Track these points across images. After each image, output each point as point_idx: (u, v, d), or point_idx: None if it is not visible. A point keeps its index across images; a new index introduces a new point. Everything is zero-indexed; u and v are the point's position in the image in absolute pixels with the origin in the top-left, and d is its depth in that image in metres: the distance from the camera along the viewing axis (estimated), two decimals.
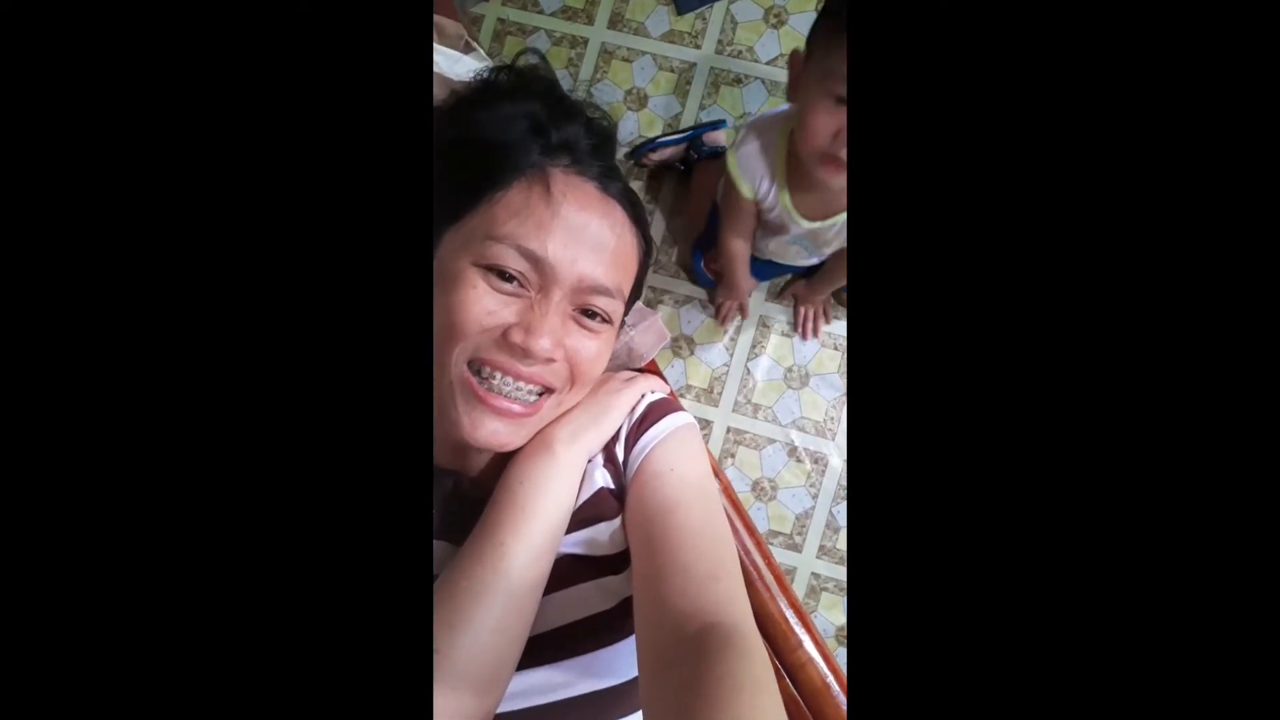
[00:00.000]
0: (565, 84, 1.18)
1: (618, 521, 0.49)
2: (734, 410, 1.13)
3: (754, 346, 1.13)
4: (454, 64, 0.65)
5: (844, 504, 1.12)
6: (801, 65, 0.70)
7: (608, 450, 0.51)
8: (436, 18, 0.68)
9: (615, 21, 1.16)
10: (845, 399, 1.12)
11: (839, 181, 0.71)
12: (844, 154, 0.66)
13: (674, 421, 0.51)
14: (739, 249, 0.94)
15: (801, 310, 1.11)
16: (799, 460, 1.12)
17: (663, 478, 0.48)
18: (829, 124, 0.66)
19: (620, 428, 0.51)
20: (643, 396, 0.53)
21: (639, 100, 1.15)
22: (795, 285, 1.10)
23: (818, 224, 0.84)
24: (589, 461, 0.50)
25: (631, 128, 1.15)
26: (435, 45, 0.67)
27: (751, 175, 0.81)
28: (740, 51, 1.14)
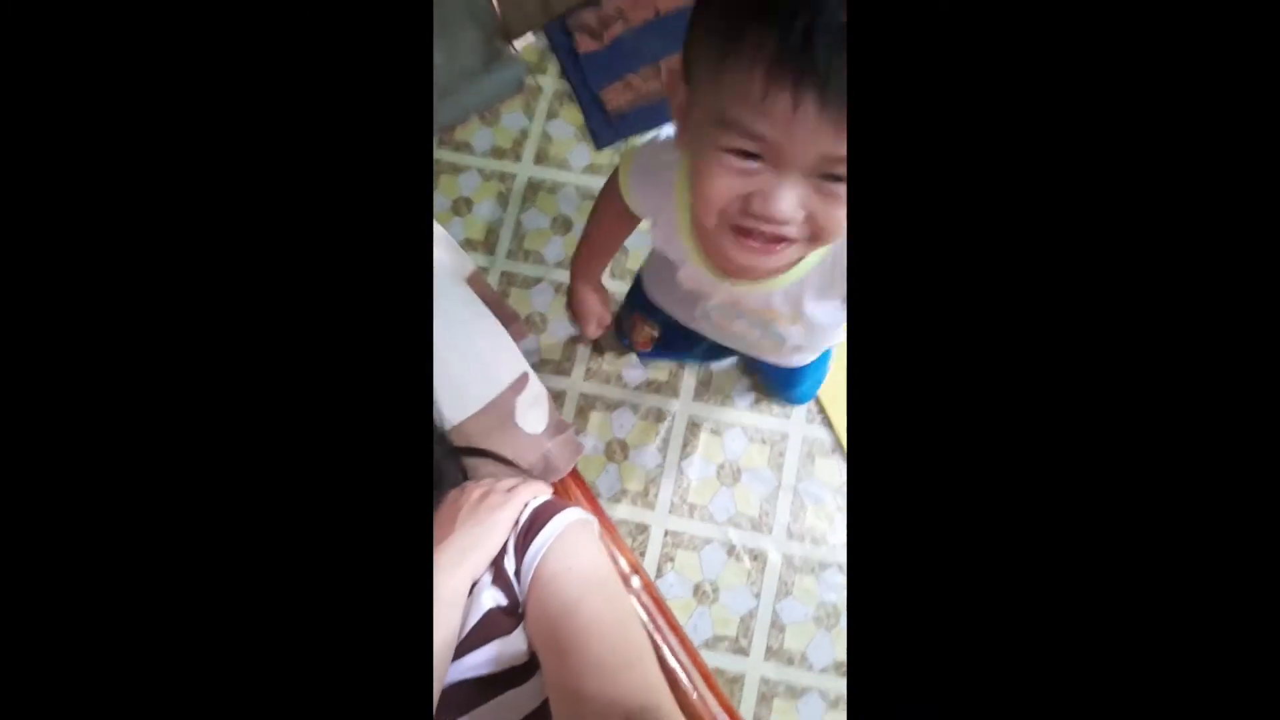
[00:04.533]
0: (494, 214, 1.27)
1: (512, 636, 0.49)
2: (670, 511, 1.14)
3: (685, 445, 1.17)
4: None
5: (787, 600, 1.11)
6: (685, 97, 0.45)
7: (495, 566, 0.51)
8: None
9: (540, 158, 1.28)
10: (779, 492, 1.14)
11: (763, 260, 0.48)
12: (761, 224, 0.43)
13: (563, 520, 0.52)
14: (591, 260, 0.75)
15: None
16: (738, 559, 1.12)
17: (561, 578, 0.49)
18: (729, 186, 0.42)
19: (506, 541, 0.52)
20: (525, 505, 0.54)
21: (563, 225, 1.25)
22: None
23: (746, 286, 0.57)
24: (476, 583, 0.50)
25: (558, 249, 1.24)
26: None
27: (651, 209, 0.60)
28: None
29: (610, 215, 0.67)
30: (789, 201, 0.41)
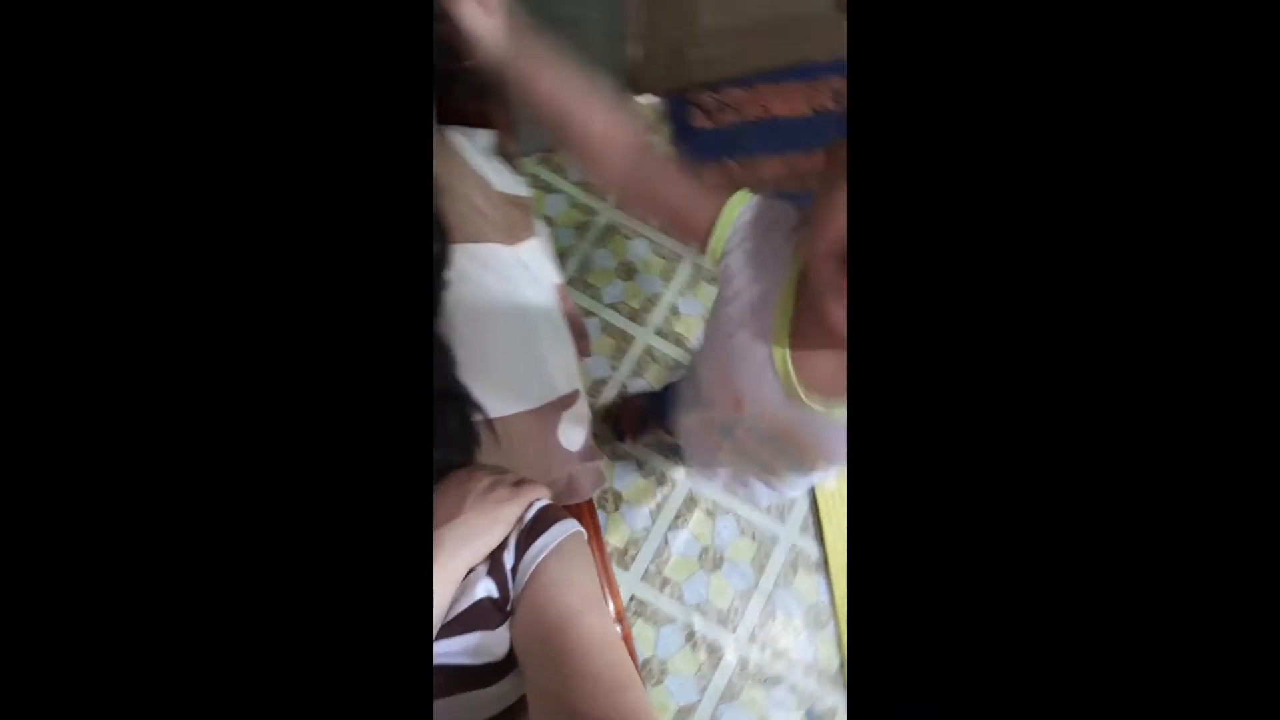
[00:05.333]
0: (569, 241, 1.30)
1: (496, 631, 0.48)
2: (643, 578, 1.12)
3: (677, 517, 1.16)
4: (499, 176, 0.75)
5: (732, 705, 1.07)
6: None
7: (493, 558, 0.50)
8: (499, 134, 0.78)
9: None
10: (753, 593, 1.12)
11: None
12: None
13: (564, 529, 0.52)
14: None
15: None
16: (694, 647, 1.09)
17: (560, 586, 0.48)
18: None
19: (510, 534, 0.52)
20: (530, 505, 0.54)
21: (627, 272, 1.29)
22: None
23: (814, 407, 0.49)
24: (472, 571, 0.49)
25: (618, 292, 1.27)
26: (489, 156, 0.76)
27: (741, 266, 0.49)
28: None
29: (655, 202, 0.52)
30: None
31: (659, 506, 1.16)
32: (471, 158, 0.74)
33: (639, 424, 1.12)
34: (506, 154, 0.79)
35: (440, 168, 0.72)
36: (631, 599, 1.11)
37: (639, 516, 1.15)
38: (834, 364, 0.45)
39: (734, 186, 0.50)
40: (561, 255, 1.27)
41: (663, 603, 1.11)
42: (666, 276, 1.29)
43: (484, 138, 0.77)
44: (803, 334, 0.48)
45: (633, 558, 1.13)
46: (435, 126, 0.74)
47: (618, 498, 1.16)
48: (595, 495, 0.80)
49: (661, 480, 1.17)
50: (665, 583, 1.12)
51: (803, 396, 0.49)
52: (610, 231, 1.31)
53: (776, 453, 0.56)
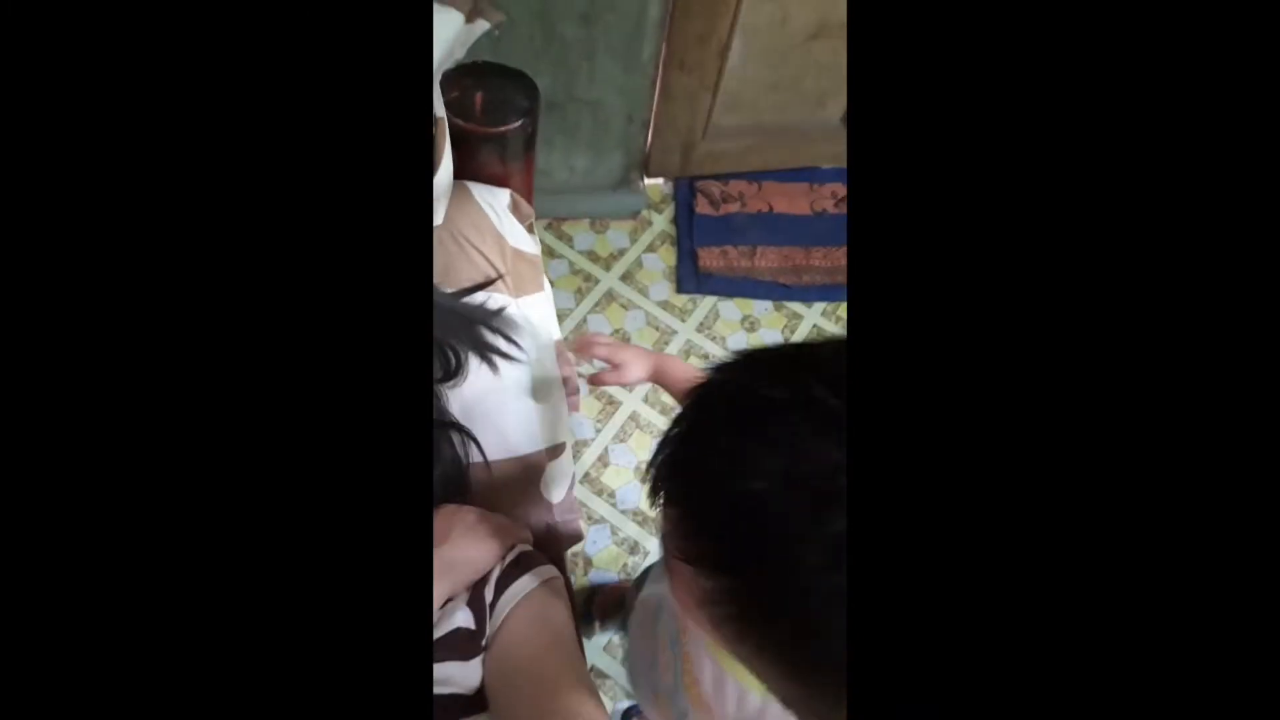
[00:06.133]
0: (567, 304, 1.34)
1: (469, 664, 0.49)
2: (604, 649, 1.09)
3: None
4: (513, 232, 0.79)
5: None
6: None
7: (474, 590, 0.52)
8: (516, 196, 0.83)
9: (626, 278, 1.39)
10: None
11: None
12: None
13: (544, 572, 0.55)
14: None
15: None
16: None
17: (536, 625, 0.50)
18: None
19: (492, 571, 0.54)
20: (514, 545, 0.57)
21: (621, 340, 1.32)
22: None
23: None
24: (451, 599, 0.51)
25: None
26: (506, 214, 0.81)
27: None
28: (715, 338, 1.36)
29: None
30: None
31: (629, 574, 1.15)
32: (490, 213, 0.79)
33: (611, 610, 1.11)
34: (521, 214, 0.84)
35: (461, 220, 0.77)
36: (592, 668, 1.08)
37: (609, 581, 1.14)
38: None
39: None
40: (559, 318, 1.31)
41: (623, 676, 1.08)
42: (659, 348, 1.33)
43: (503, 197, 0.82)
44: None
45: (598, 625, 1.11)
46: (460, 183, 0.79)
47: (588, 562, 1.15)
48: (568, 554, 0.80)
49: (634, 549, 1.17)
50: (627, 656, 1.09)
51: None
52: (609, 300, 1.36)
53: (668, 662, 0.53)
